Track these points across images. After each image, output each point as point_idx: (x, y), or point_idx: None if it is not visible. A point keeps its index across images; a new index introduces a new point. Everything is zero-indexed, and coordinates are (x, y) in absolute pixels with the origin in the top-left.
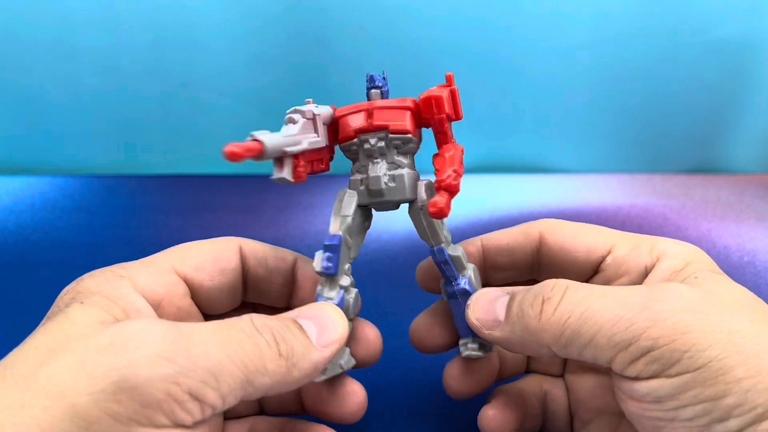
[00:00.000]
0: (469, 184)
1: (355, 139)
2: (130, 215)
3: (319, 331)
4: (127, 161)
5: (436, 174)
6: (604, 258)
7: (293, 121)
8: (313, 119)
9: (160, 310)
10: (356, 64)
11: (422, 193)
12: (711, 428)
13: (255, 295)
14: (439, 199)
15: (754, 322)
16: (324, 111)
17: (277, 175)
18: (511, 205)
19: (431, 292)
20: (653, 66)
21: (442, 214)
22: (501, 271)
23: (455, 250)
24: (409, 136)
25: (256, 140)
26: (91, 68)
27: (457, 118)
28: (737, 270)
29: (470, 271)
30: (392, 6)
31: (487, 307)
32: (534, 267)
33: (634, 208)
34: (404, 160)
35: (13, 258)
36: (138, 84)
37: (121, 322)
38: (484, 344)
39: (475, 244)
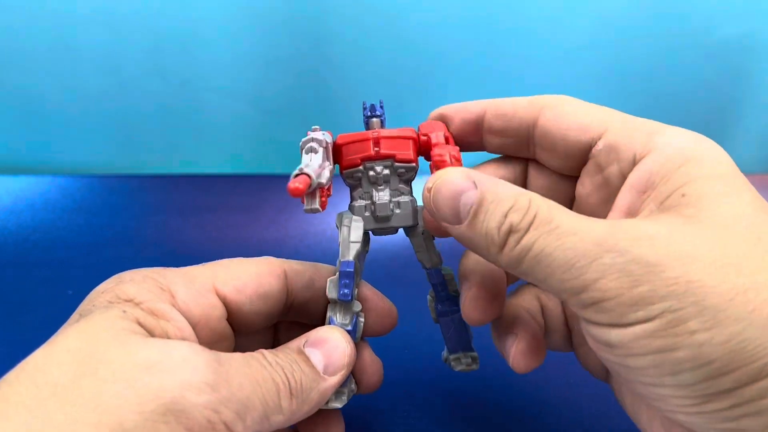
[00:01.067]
0: None
1: (360, 167)
2: (130, 215)
3: (326, 360)
4: (127, 161)
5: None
6: (596, 141)
7: (314, 151)
8: (326, 148)
9: (195, 330)
10: (356, 64)
11: (422, 219)
12: (662, 380)
13: (297, 315)
14: (445, 151)
15: (723, 268)
16: (327, 137)
17: (310, 206)
18: None
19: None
20: (653, 67)
21: (440, 159)
22: (497, 136)
23: (447, 271)
24: (413, 164)
25: (304, 173)
26: (92, 68)
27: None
28: None
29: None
30: (392, 7)
31: (450, 198)
32: (530, 140)
33: None
34: (406, 187)
35: (13, 258)
36: (138, 84)
37: (166, 341)
38: (477, 358)
39: (480, 105)
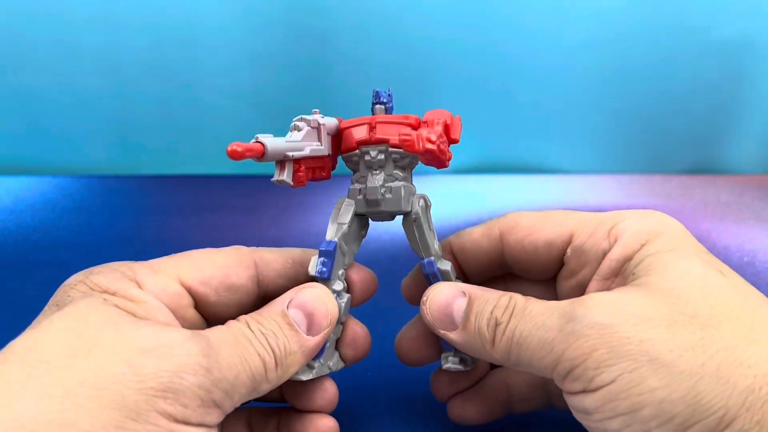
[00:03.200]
0: (469, 184)
1: (357, 151)
2: (130, 215)
3: (308, 320)
4: (127, 161)
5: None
6: (564, 250)
7: (298, 129)
8: (318, 128)
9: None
10: (356, 64)
11: (416, 206)
12: None
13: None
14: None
15: (672, 326)
16: (329, 122)
17: (277, 177)
18: (510, 205)
19: (416, 305)
20: (653, 67)
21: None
22: (475, 268)
23: (444, 264)
24: (408, 154)
25: (258, 142)
26: (92, 68)
27: (455, 141)
28: (737, 270)
29: (455, 276)
30: (392, 6)
31: (444, 307)
32: (503, 264)
33: (634, 208)
34: (401, 173)
35: (14, 258)
36: (138, 84)
37: (157, 326)
38: (465, 358)
39: (446, 248)
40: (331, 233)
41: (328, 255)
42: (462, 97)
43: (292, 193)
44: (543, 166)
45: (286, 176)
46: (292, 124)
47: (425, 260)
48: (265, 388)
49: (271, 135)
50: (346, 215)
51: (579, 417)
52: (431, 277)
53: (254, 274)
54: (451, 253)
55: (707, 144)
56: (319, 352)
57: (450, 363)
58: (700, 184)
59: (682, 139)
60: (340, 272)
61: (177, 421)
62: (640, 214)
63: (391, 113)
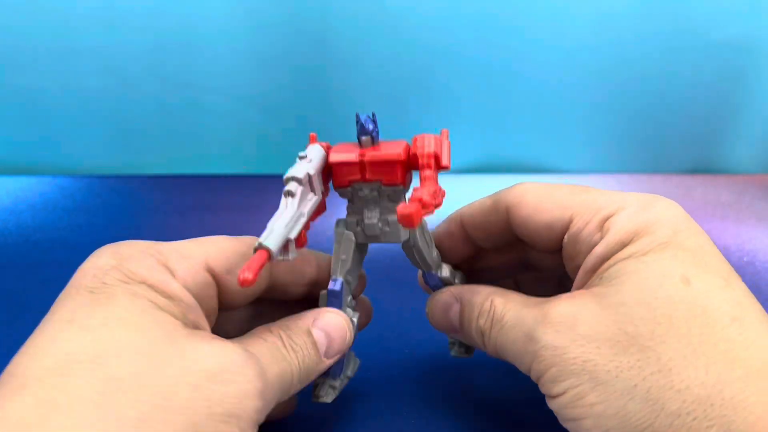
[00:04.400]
0: (469, 184)
1: (349, 188)
2: (130, 215)
3: (328, 343)
4: (127, 161)
5: (413, 192)
6: (564, 233)
7: (291, 194)
8: (310, 179)
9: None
10: (356, 65)
11: (415, 232)
12: None
13: (276, 293)
14: (410, 204)
15: (614, 346)
16: (317, 159)
17: (281, 257)
18: None
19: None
20: (653, 67)
21: (408, 220)
22: (485, 241)
23: (443, 271)
24: (401, 187)
25: (262, 249)
26: (92, 68)
27: (445, 167)
28: (737, 270)
29: (458, 278)
30: (392, 6)
31: (442, 315)
32: (512, 239)
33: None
34: (396, 204)
35: (14, 258)
36: (138, 84)
37: (217, 346)
38: (471, 348)
39: (456, 218)
40: (336, 270)
41: (336, 295)
42: (462, 97)
43: None
44: (543, 166)
45: (290, 255)
46: (285, 189)
47: (426, 274)
48: (284, 399)
49: (271, 228)
50: (348, 251)
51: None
52: (434, 287)
53: (269, 265)
54: (461, 227)
55: (707, 144)
56: (338, 370)
57: (455, 351)
58: (701, 184)
59: (682, 139)
60: (349, 299)
61: None
62: (639, 205)
63: (377, 140)
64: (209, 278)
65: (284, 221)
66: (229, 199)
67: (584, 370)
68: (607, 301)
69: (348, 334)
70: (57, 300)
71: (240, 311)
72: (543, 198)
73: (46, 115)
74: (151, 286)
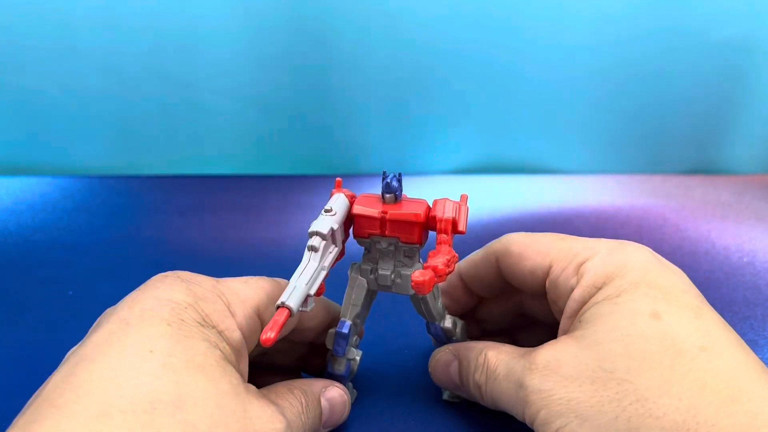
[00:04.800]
0: (469, 184)
1: (368, 239)
2: (131, 215)
3: (329, 414)
4: (127, 161)
5: (428, 258)
6: (544, 281)
7: (315, 249)
8: (332, 233)
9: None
10: (356, 65)
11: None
12: None
13: (293, 335)
14: (424, 272)
15: (594, 382)
16: (340, 212)
17: (300, 309)
18: (510, 205)
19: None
20: (653, 67)
21: (421, 288)
22: (483, 290)
23: (446, 322)
24: (417, 245)
25: (284, 307)
26: (92, 68)
27: (461, 232)
28: (737, 271)
29: (458, 328)
30: (392, 6)
31: (443, 372)
32: (507, 287)
33: (634, 209)
34: (410, 260)
35: (14, 258)
36: (138, 84)
37: (268, 410)
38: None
39: (455, 275)
40: (346, 313)
41: (344, 336)
42: (462, 97)
43: (292, 194)
44: (543, 166)
45: (309, 307)
46: (309, 244)
47: (431, 325)
48: None
49: (291, 285)
50: (359, 298)
51: None
52: (435, 338)
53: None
54: (461, 280)
55: (707, 144)
56: None
57: (448, 396)
58: (700, 184)
59: (682, 139)
60: (354, 339)
61: None
62: (608, 249)
63: (400, 197)
64: (258, 322)
65: (306, 278)
66: (229, 199)
67: (569, 409)
68: (586, 342)
69: (346, 411)
70: (124, 320)
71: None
72: (526, 247)
73: (46, 115)
74: (221, 333)
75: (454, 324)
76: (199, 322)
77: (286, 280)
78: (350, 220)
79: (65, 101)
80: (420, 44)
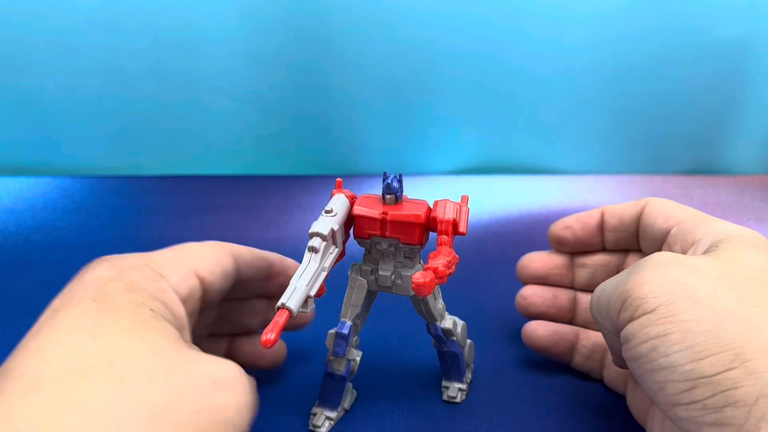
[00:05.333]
0: (468, 184)
1: (368, 240)
2: (130, 216)
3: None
4: (127, 162)
5: (428, 259)
6: (672, 228)
7: (315, 250)
8: (332, 234)
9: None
10: (356, 65)
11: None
12: (658, 363)
13: (238, 292)
14: (425, 273)
15: (718, 279)
16: (341, 213)
17: (300, 311)
18: (510, 205)
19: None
20: (653, 67)
21: (422, 290)
22: (614, 233)
23: (446, 323)
24: (417, 246)
25: (284, 309)
26: (92, 68)
27: (462, 233)
28: None
29: (459, 329)
30: (392, 6)
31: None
32: (637, 233)
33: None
34: (410, 261)
35: (14, 258)
36: (138, 84)
37: (218, 360)
38: (463, 389)
39: (597, 210)
40: (346, 314)
41: (344, 337)
42: (462, 97)
43: (292, 194)
44: (543, 166)
45: (309, 308)
46: (309, 245)
47: (431, 325)
48: None
49: (291, 286)
50: (360, 298)
51: (624, 352)
52: (435, 338)
53: (236, 265)
54: (600, 214)
55: (707, 144)
56: (335, 402)
57: (447, 397)
58: (700, 184)
59: (682, 139)
60: (355, 340)
61: None
62: (740, 227)
63: (401, 198)
64: (197, 282)
65: (306, 279)
66: (229, 199)
67: (683, 290)
68: (714, 254)
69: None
70: (54, 308)
71: (208, 314)
72: (670, 204)
73: (46, 115)
74: (152, 294)
75: (454, 324)
76: (125, 290)
77: (226, 243)
78: (351, 220)
79: (65, 101)
80: (420, 44)
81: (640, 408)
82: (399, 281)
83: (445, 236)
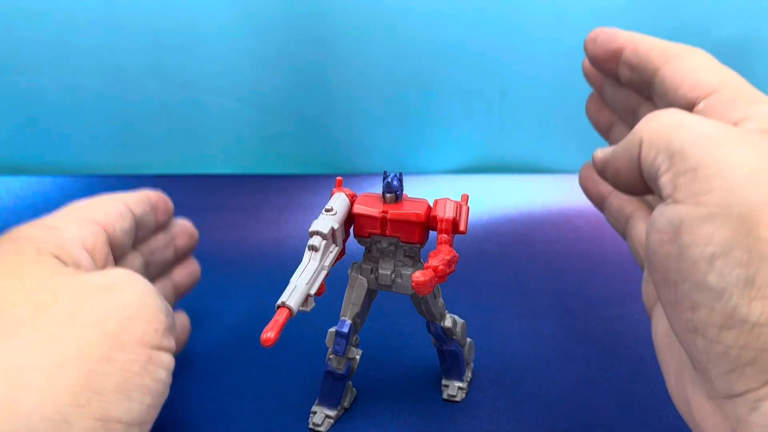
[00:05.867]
0: (468, 183)
1: (368, 239)
2: None
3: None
4: (128, 161)
5: (428, 258)
6: (700, 101)
7: (315, 249)
8: (333, 233)
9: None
10: (356, 65)
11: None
12: (710, 267)
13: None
14: (425, 272)
15: (744, 146)
16: (341, 211)
17: (300, 309)
18: (510, 205)
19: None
20: None
21: (422, 288)
22: (629, 70)
23: (446, 321)
24: (417, 245)
25: (284, 307)
26: (92, 68)
27: (462, 232)
28: None
29: (458, 327)
30: (392, 6)
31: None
32: (652, 82)
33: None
34: (410, 260)
35: None
36: (138, 84)
37: (104, 269)
38: (463, 388)
39: (626, 37)
40: (346, 312)
41: (344, 336)
42: (461, 97)
43: (292, 193)
44: (543, 166)
45: (309, 307)
46: (309, 243)
47: (431, 324)
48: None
49: (291, 285)
50: (360, 297)
51: (649, 230)
52: (435, 337)
53: (125, 205)
54: (621, 48)
55: None
56: (335, 401)
57: (447, 395)
58: None
59: None
60: (355, 338)
61: (152, 347)
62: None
63: (401, 197)
64: (99, 228)
65: (306, 278)
66: (230, 198)
67: (708, 135)
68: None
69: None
70: None
71: (133, 261)
72: (705, 63)
73: (46, 114)
74: (38, 239)
75: (454, 323)
76: (8, 240)
77: (143, 192)
78: (351, 219)
79: (65, 101)
80: (420, 43)
81: (650, 296)
82: (399, 280)
83: (445, 235)
